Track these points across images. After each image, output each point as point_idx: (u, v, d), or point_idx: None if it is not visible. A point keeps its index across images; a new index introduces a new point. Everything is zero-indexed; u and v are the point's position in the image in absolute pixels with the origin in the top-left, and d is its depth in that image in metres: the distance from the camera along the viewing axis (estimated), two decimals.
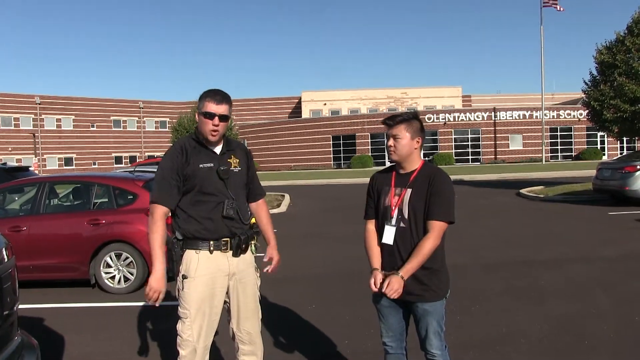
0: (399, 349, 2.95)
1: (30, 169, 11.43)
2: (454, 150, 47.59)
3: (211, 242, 2.89)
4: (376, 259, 2.84)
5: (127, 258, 6.54)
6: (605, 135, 29.59)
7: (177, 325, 2.93)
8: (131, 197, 6.78)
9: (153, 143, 65.68)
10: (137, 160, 59.07)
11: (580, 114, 43.11)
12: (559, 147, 47.85)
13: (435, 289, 2.78)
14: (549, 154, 45.75)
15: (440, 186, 2.74)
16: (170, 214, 2.97)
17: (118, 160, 63.35)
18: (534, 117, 46.72)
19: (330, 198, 19.27)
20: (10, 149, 56.14)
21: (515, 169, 33.78)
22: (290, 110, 68.09)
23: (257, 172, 3.29)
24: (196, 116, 2.97)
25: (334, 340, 4.57)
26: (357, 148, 49.37)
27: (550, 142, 46.86)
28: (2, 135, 56.44)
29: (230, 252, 2.94)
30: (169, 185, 2.88)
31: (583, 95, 19.88)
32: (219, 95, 2.90)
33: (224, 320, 3.09)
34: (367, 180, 3.27)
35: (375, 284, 2.74)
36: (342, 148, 50.28)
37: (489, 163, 45.65)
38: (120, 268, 6.56)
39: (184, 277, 2.89)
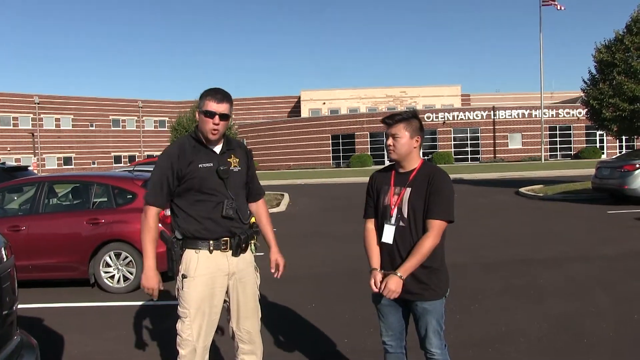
0: (398, 348, 2.95)
1: (29, 168, 11.43)
2: (453, 149, 47.60)
3: (211, 242, 2.89)
4: (375, 259, 2.84)
5: (126, 257, 6.54)
6: (605, 134, 29.54)
7: (177, 325, 2.93)
8: (130, 196, 6.78)
9: (152, 142, 65.63)
10: (136, 159, 59.03)
11: (580, 113, 43.20)
12: (558, 146, 47.85)
13: (434, 287, 2.78)
14: (548, 153, 45.76)
15: (440, 185, 2.74)
16: (169, 213, 2.98)
17: (117, 159, 63.31)
18: (533, 116, 46.72)
19: (330, 197, 19.27)
20: (9, 149, 56.10)
21: (514, 167, 33.78)
22: (289, 110, 68.09)
23: (256, 172, 3.29)
24: (196, 115, 2.97)
25: (333, 339, 4.57)
26: (356, 147, 49.36)
27: (550, 140, 46.86)
28: (1, 135, 56.40)
29: (230, 251, 2.94)
30: (161, 185, 2.89)
31: (582, 94, 19.89)
32: (219, 94, 2.89)
33: (224, 319, 3.09)
34: (366, 179, 3.27)
35: (375, 284, 2.75)
36: (341, 147, 50.27)
37: (488, 162, 45.65)
38: (120, 267, 6.55)
39: (184, 276, 2.89)
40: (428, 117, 46.72)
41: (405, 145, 2.79)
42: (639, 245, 8.31)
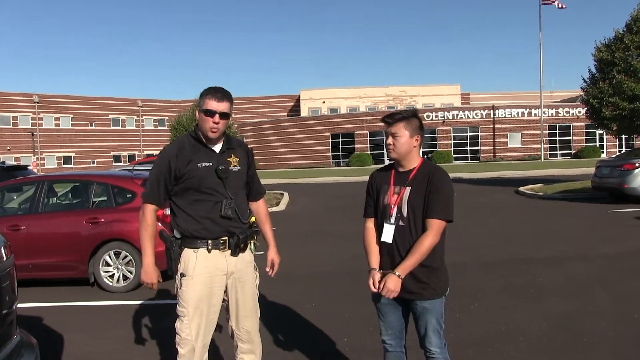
0: (398, 347, 2.95)
1: (28, 167, 11.43)
2: (452, 149, 47.62)
3: (209, 242, 2.89)
4: (374, 258, 2.84)
5: (126, 256, 6.54)
6: (604, 133, 29.58)
7: (176, 324, 2.93)
8: (130, 195, 6.78)
9: (152, 141, 65.61)
10: (136, 158, 59.01)
11: (579, 112, 43.22)
12: (557, 145, 47.86)
13: (434, 286, 2.77)
14: (548, 152, 45.76)
15: (439, 184, 2.73)
16: (169, 212, 2.98)
17: (117, 158, 63.29)
18: (533, 115, 46.73)
19: (329, 196, 19.27)
20: (8, 148, 56.06)
21: (514, 166, 33.78)
22: (289, 109, 68.06)
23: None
24: (196, 113, 2.96)
25: (333, 338, 4.57)
26: (355, 146, 49.36)
27: (549, 139, 46.86)
28: (1, 134, 56.36)
29: (229, 251, 2.93)
30: (158, 183, 2.90)
31: (582, 93, 19.89)
32: (219, 93, 2.88)
33: (224, 317, 3.08)
34: (365, 178, 3.27)
35: (373, 284, 2.74)
36: (340, 146, 50.27)
37: (487, 161, 45.66)
38: (119, 267, 6.55)
39: (182, 275, 2.89)
40: (428, 116, 46.70)
41: (405, 145, 2.78)
42: (638, 244, 8.31)
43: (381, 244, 2.83)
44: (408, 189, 2.78)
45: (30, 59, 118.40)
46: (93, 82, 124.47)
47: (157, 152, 53.07)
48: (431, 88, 61.49)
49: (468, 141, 48.04)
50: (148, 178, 3.01)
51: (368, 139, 49.01)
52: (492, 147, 47.66)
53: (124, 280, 6.55)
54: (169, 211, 3.01)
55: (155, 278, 2.93)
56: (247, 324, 3.05)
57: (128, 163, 49.58)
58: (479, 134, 47.87)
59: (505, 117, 47.35)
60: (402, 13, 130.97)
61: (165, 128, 60.94)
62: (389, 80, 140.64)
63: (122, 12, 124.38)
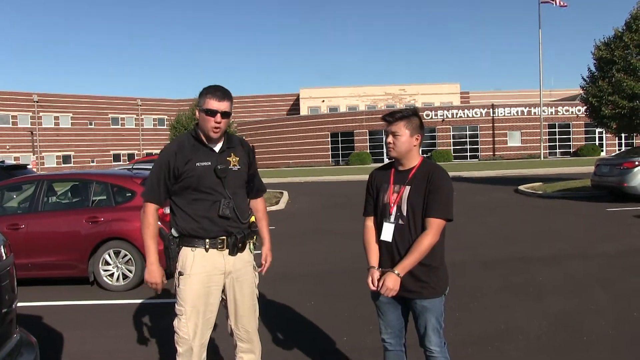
0: (398, 346, 2.95)
1: (28, 166, 11.41)
2: (452, 147, 47.60)
3: (207, 241, 2.89)
4: (374, 257, 2.84)
5: (125, 255, 6.54)
6: (604, 132, 29.60)
7: (174, 322, 2.93)
8: (129, 194, 6.78)
9: (151, 140, 65.53)
10: (136, 157, 58.97)
11: (579, 110, 43.22)
12: (557, 144, 47.85)
13: (433, 285, 2.78)
14: (547, 151, 45.77)
15: (439, 183, 2.73)
16: (168, 211, 2.98)
17: (116, 157, 63.21)
18: (532, 114, 46.71)
19: (329, 195, 19.28)
20: (8, 147, 55.99)
21: (513, 165, 33.80)
22: (288, 108, 68.01)
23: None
24: (196, 113, 2.95)
25: (332, 337, 4.57)
26: (355, 145, 49.34)
27: (549, 138, 46.87)
28: (0, 133, 56.30)
29: (227, 250, 2.93)
30: (157, 182, 2.90)
31: (581, 92, 19.87)
32: (220, 92, 2.87)
33: (223, 316, 3.09)
34: (365, 177, 3.27)
35: (372, 283, 2.75)
36: (340, 145, 50.25)
37: (487, 159, 45.65)
38: (119, 265, 6.55)
39: (180, 274, 2.90)
40: (427, 115, 46.67)
41: (405, 143, 2.78)
42: (638, 242, 8.32)
43: (381, 243, 2.83)
44: (408, 188, 2.78)
45: (30, 58, 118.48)
46: (92, 81, 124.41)
47: (156, 151, 53.09)
48: (430, 87, 61.46)
49: (467, 140, 48.02)
50: (148, 177, 3.01)
51: (367, 137, 48.99)
52: (491, 146, 47.65)
53: (123, 279, 6.55)
54: (169, 210, 3.01)
55: (159, 277, 2.92)
56: (246, 323, 3.05)
57: (127, 162, 49.55)
58: (478, 132, 47.85)
59: (504, 115, 47.34)
60: (401, 11, 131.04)
61: (165, 127, 60.91)
62: (389, 79, 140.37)
63: (121, 10, 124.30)
